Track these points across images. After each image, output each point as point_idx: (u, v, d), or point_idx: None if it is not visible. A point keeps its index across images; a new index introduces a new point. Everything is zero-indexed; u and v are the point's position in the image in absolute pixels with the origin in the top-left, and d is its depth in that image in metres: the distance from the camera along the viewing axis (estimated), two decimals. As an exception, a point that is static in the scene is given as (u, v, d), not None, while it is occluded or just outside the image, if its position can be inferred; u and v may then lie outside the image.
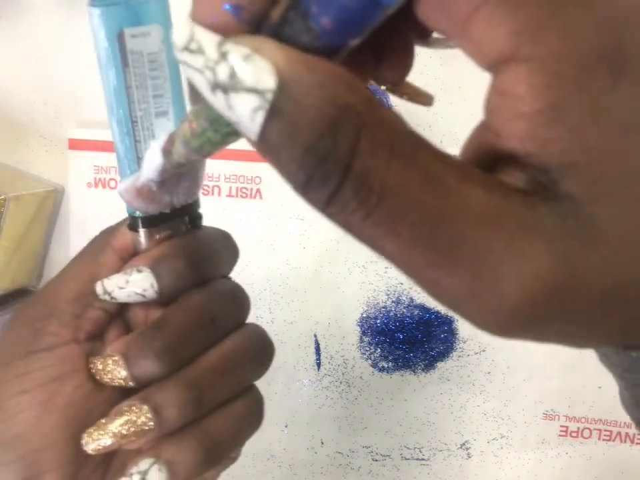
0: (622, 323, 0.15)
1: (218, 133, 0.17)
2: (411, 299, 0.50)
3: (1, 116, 0.52)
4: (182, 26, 0.15)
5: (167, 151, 0.20)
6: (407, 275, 0.15)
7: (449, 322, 0.50)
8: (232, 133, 0.17)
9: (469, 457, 0.51)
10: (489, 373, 0.50)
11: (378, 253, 0.15)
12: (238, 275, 0.51)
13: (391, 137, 0.14)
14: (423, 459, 0.51)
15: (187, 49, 0.14)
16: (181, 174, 0.23)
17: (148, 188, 0.22)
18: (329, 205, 0.14)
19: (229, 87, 0.14)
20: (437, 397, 0.50)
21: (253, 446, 0.52)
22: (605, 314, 0.15)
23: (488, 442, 0.50)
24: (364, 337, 0.51)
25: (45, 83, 0.51)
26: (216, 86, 0.14)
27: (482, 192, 0.14)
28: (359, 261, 0.50)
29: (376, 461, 0.51)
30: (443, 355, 0.50)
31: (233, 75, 0.14)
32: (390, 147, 0.14)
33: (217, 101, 0.14)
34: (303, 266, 0.51)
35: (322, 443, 0.51)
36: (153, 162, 0.21)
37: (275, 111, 0.13)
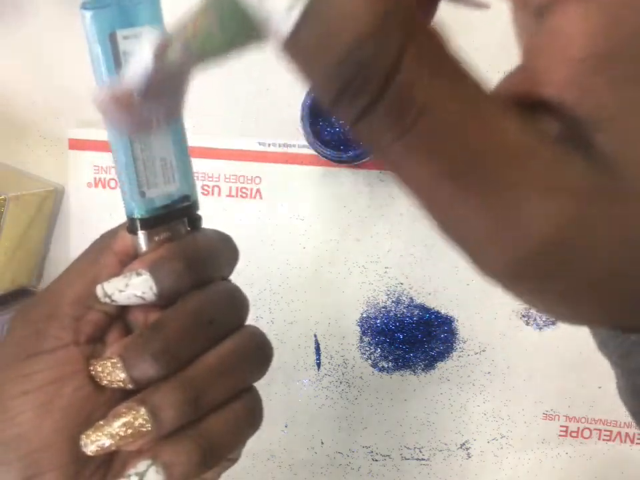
0: (629, 298, 0.15)
1: (225, 34, 0.16)
2: (411, 298, 0.50)
3: (1, 116, 0.52)
4: None
5: (160, 51, 0.18)
6: (426, 209, 0.14)
7: (449, 322, 0.50)
8: (240, 35, 0.16)
9: (469, 457, 0.51)
10: (489, 373, 0.50)
11: (400, 181, 0.14)
12: (238, 275, 0.51)
13: (439, 52, 0.13)
14: (422, 459, 0.51)
15: None
16: (165, 86, 0.21)
17: (128, 96, 0.21)
18: (360, 119, 0.13)
19: None
20: (437, 397, 0.50)
21: (252, 446, 0.52)
22: (614, 283, 0.14)
23: (488, 442, 0.50)
24: (364, 337, 0.51)
25: (45, 83, 0.51)
26: None
27: (518, 128, 0.13)
28: (359, 261, 0.50)
29: (376, 460, 0.51)
30: (443, 354, 0.50)
31: None
32: (438, 63, 0.13)
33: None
34: (302, 266, 0.51)
35: (322, 443, 0.51)
36: (141, 62, 0.19)
37: (315, 7, 0.12)
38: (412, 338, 0.50)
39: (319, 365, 0.51)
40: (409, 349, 0.50)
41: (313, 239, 0.50)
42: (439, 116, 0.13)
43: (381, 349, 0.50)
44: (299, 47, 0.13)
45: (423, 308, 0.50)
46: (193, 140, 0.51)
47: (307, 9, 0.12)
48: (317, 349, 0.51)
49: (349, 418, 0.51)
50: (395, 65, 0.12)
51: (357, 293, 0.50)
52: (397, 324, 0.50)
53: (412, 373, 0.50)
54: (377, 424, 0.51)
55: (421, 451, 0.51)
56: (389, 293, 0.50)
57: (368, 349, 0.51)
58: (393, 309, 0.50)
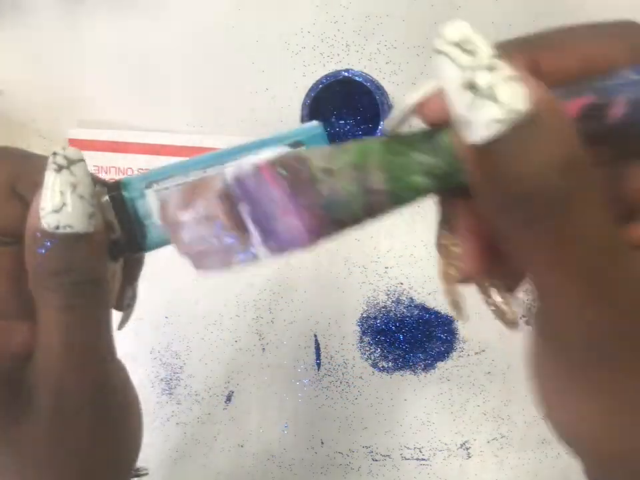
0: None
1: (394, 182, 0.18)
2: (411, 299, 0.50)
3: (1, 116, 0.52)
4: (460, 25, 0.16)
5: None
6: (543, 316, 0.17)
7: (449, 322, 0.50)
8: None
9: (469, 457, 0.51)
10: (489, 373, 0.50)
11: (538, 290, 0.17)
12: (238, 275, 0.52)
13: (601, 199, 0.15)
14: (423, 459, 0.51)
15: (459, 45, 0.16)
16: None
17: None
18: (523, 228, 0.16)
19: (483, 92, 0.15)
20: (437, 397, 0.50)
21: (253, 446, 0.52)
22: None
23: (488, 442, 0.50)
24: (364, 337, 0.51)
25: (45, 82, 0.51)
26: (470, 86, 0.15)
27: None
28: (359, 261, 0.50)
29: (376, 460, 0.51)
30: (443, 354, 0.50)
31: (492, 86, 0.15)
32: (599, 209, 0.15)
33: (461, 97, 0.16)
34: (302, 266, 0.51)
35: (322, 443, 0.51)
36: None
37: (516, 130, 0.15)
38: (412, 338, 0.50)
39: (319, 365, 0.51)
40: (409, 349, 0.50)
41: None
42: (590, 246, 0.15)
43: (381, 349, 0.50)
44: (486, 152, 0.15)
45: (423, 308, 0.50)
46: (193, 140, 0.51)
47: (512, 126, 0.15)
48: (317, 348, 0.51)
49: (349, 418, 0.51)
50: (568, 200, 0.15)
51: (357, 292, 0.50)
52: (397, 324, 0.50)
53: (412, 373, 0.50)
54: (376, 424, 0.51)
55: (421, 451, 0.51)
56: (388, 293, 0.50)
57: (368, 348, 0.51)
58: (393, 309, 0.50)
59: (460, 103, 0.16)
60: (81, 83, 0.51)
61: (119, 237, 0.22)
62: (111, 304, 0.25)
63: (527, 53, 0.18)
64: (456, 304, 0.21)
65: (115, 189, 0.22)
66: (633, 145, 0.18)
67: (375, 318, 0.50)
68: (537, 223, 0.15)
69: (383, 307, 0.50)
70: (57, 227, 0.20)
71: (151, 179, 0.22)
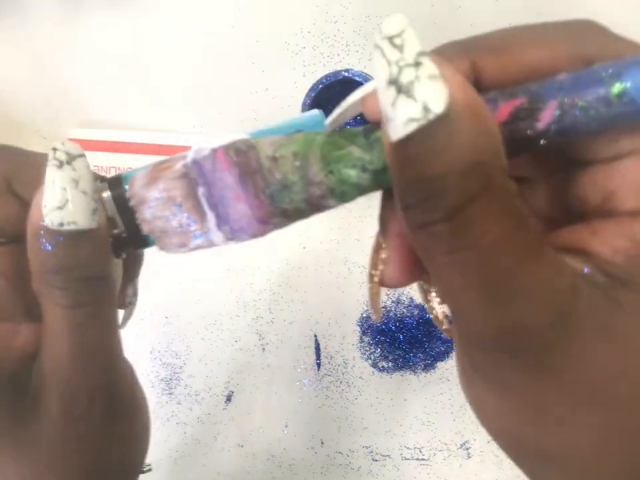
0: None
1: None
2: (411, 298, 0.50)
3: (1, 116, 0.52)
4: (397, 19, 0.16)
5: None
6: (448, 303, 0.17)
7: (449, 322, 0.50)
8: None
9: (469, 457, 0.51)
10: (489, 373, 0.50)
11: (435, 280, 0.17)
12: (238, 275, 0.52)
13: (505, 206, 0.15)
14: (423, 459, 0.51)
15: (390, 39, 0.16)
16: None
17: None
18: (422, 228, 0.16)
19: (404, 89, 0.15)
20: (437, 397, 0.50)
21: (253, 446, 0.52)
22: None
23: (488, 442, 0.50)
24: (364, 337, 0.51)
25: (45, 82, 0.51)
26: (394, 82, 0.15)
27: (558, 272, 0.16)
28: (359, 261, 0.50)
29: (376, 460, 0.51)
30: (443, 355, 0.50)
31: (413, 82, 0.15)
32: (499, 215, 0.15)
33: (386, 94, 0.16)
34: (302, 266, 0.51)
35: (322, 443, 0.51)
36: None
37: (426, 131, 0.15)
38: (412, 338, 0.50)
39: (319, 365, 0.51)
40: (409, 349, 0.50)
41: (313, 239, 0.50)
42: (486, 251, 0.15)
43: (381, 349, 0.50)
44: (399, 150, 0.15)
45: (423, 308, 0.50)
46: (193, 140, 0.51)
47: (425, 127, 0.15)
48: (317, 349, 0.51)
49: (349, 418, 0.51)
50: (461, 206, 0.15)
51: (357, 292, 0.50)
52: (397, 324, 0.50)
53: (412, 373, 0.50)
54: (376, 424, 0.51)
55: (421, 451, 0.51)
56: (388, 292, 0.50)
57: (368, 348, 0.51)
58: (392, 309, 0.50)
59: (384, 99, 0.16)
60: (81, 83, 0.51)
61: (121, 232, 0.22)
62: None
63: (468, 54, 0.17)
64: (373, 304, 0.22)
65: (116, 184, 0.22)
66: (571, 150, 0.18)
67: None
68: (433, 225, 0.15)
69: (383, 307, 0.50)
70: (61, 224, 0.20)
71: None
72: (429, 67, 0.15)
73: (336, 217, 0.50)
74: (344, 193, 0.19)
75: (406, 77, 0.15)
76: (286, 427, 0.51)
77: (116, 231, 0.22)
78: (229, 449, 0.52)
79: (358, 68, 0.47)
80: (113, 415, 0.23)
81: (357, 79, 0.45)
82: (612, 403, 0.16)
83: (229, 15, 0.50)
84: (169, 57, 0.51)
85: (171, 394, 0.52)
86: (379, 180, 0.18)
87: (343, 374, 0.51)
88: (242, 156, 0.19)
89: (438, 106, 0.15)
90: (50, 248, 0.20)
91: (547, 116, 0.16)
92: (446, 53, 0.18)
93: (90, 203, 0.20)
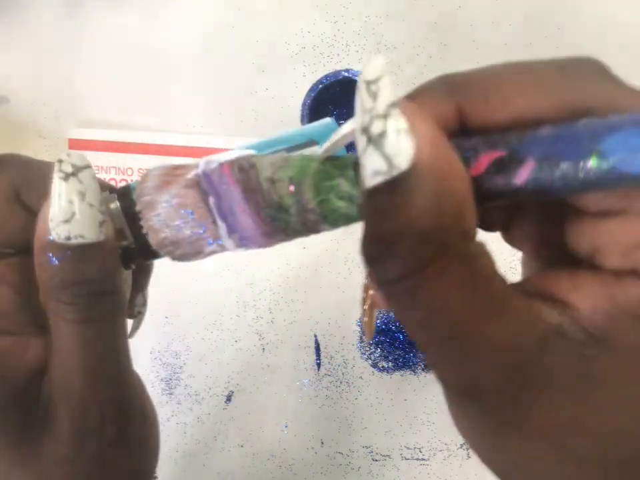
0: None
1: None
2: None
3: (1, 116, 0.52)
4: (377, 63, 0.16)
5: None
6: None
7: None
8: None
9: (469, 457, 0.51)
10: (489, 372, 0.50)
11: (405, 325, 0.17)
12: (238, 275, 0.52)
13: (462, 270, 0.15)
14: (423, 459, 0.51)
15: (367, 85, 0.15)
16: None
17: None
18: (383, 284, 0.16)
19: (373, 140, 0.15)
20: (437, 397, 0.50)
21: (253, 446, 0.52)
22: None
23: (488, 442, 0.50)
24: (364, 337, 0.51)
25: (45, 83, 0.51)
26: (365, 131, 0.15)
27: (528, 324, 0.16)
28: (359, 261, 0.50)
29: (376, 460, 0.51)
30: (443, 355, 0.50)
31: (382, 135, 0.15)
32: (455, 279, 0.15)
33: (359, 141, 0.15)
34: (302, 266, 0.51)
35: (322, 443, 0.51)
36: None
37: (389, 186, 0.15)
38: (412, 338, 0.50)
39: (319, 365, 0.51)
40: (409, 349, 0.50)
41: (313, 239, 0.50)
42: (440, 312, 0.15)
43: (381, 349, 0.50)
44: (364, 199, 0.15)
45: (423, 308, 0.50)
46: (193, 140, 0.51)
47: (388, 183, 0.15)
48: (317, 349, 0.51)
49: (349, 418, 0.51)
50: (419, 267, 0.15)
51: (357, 292, 0.50)
52: (397, 324, 0.50)
53: (412, 373, 0.50)
54: (376, 424, 0.51)
55: (421, 451, 0.51)
56: (388, 293, 0.50)
57: (368, 348, 0.51)
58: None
59: (358, 145, 0.15)
60: (81, 83, 0.51)
61: (130, 243, 0.21)
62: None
63: (455, 97, 0.17)
64: (368, 326, 0.22)
65: (125, 194, 0.22)
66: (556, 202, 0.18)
67: (375, 318, 0.50)
68: (389, 282, 0.15)
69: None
70: (68, 238, 0.19)
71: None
72: (399, 120, 0.15)
73: (336, 217, 0.50)
74: (335, 221, 0.19)
75: (376, 128, 0.15)
76: (286, 426, 0.51)
77: (125, 243, 0.21)
78: (229, 449, 0.52)
79: (358, 68, 0.47)
80: (124, 429, 0.22)
81: (357, 79, 0.45)
82: (569, 459, 0.16)
83: (229, 15, 0.50)
84: (169, 57, 0.51)
85: (170, 394, 0.52)
86: None
87: (342, 374, 0.51)
88: (244, 174, 0.19)
89: (402, 162, 0.14)
90: (57, 263, 0.19)
91: (524, 173, 0.16)
92: (430, 94, 0.17)
93: (97, 216, 0.20)
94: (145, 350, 0.52)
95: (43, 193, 0.20)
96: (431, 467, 0.51)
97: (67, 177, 0.20)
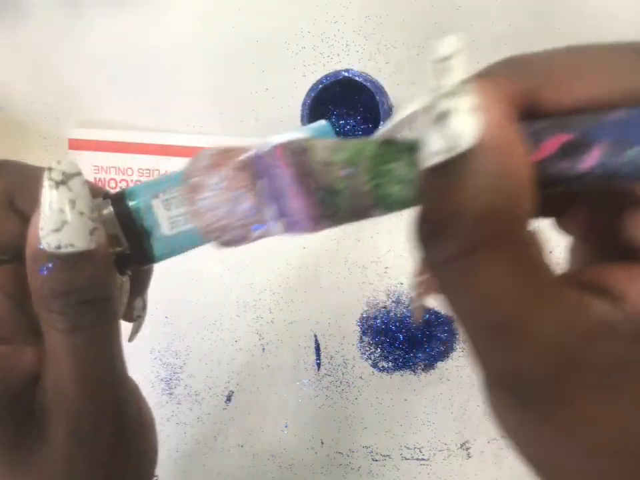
0: None
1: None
2: (411, 299, 0.50)
3: (1, 116, 0.52)
4: (450, 41, 0.15)
5: None
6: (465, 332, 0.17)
7: (448, 322, 0.50)
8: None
9: (469, 457, 0.51)
10: (489, 373, 0.50)
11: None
12: (238, 275, 0.52)
13: (515, 256, 0.15)
14: (423, 459, 0.51)
15: (439, 62, 0.15)
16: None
17: None
18: (434, 266, 0.16)
19: (439, 119, 0.15)
20: (437, 397, 0.50)
21: (253, 446, 0.52)
22: None
23: (488, 442, 0.50)
24: (364, 337, 0.51)
25: (44, 83, 0.51)
26: (432, 108, 0.15)
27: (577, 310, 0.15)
28: (359, 261, 0.50)
29: (376, 460, 0.51)
30: (443, 355, 0.50)
31: (449, 112, 0.15)
32: (507, 264, 0.15)
33: (424, 118, 0.15)
34: (302, 266, 0.51)
35: (322, 443, 0.51)
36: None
37: (447, 167, 0.14)
38: (412, 338, 0.50)
39: (319, 365, 0.51)
40: (409, 349, 0.50)
41: (313, 239, 0.50)
42: (488, 298, 0.15)
43: (381, 349, 0.50)
44: (427, 179, 0.15)
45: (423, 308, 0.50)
46: (193, 140, 0.51)
47: (446, 163, 0.14)
48: (317, 348, 0.51)
49: (349, 418, 0.51)
50: (471, 250, 0.15)
51: (357, 292, 0.50)
52: (397, 324, 0.50)
53: (412, 373, 0.50)
54: (376, 424, 0.51)
55: (421, 451, 0.51)
56: (388, 292, 0.50)
57: (368, 348, 0.51)
58: (392, 309, 0.50)
59: (422, 123, 0.15)
60: (81, 83, 0.51)
61: (125, 249, 0.21)
62: (120, 315, 0.24)
63: (524, 81, 0.17)
64: (418, 310, 0.22)
65: (120, 200, 0.21)
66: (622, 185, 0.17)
67: (375, 318, 0.50)
68: (440, 262, 0.15)
69: (383, 307, 0.50)
70: (59, 247, 0.19)
71: (156, 188, 0.22)
72: (468, 99, 0.15)
73: (336, 217, 0.50)
74: (389, 206, 0.19)
75: (444, 105, 0.15)
76: (286, 426, 0.51)
77: (119, 249, 0.21)
78: (229, 449, 0.52)
79: (358, 68, 0.47)
80: (120, 436, 0.22)
81: (357, 79, 0.45)
82: (605, 457, 0.16)
83: (229, 15, 0.50)
84: (169, 57, 0.51)
85: (170, 394, 0.52)
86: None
87: (342, 374, 0.51)
88: (297, 157, 0.19)
89: (465, 142, 0.14)
90: (47, 272, 0.19)
91: (592, 158, 0.15)
92: (498, 75, 0.17)
93: (87, 224, 0.19)
94: (145, 350, 0.52)
95: (36, 198, 0.20)
96: (430, 466, 0.51)
97: (57, 185, 0.19)
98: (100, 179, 0.51)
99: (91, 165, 0.50)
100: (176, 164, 0.50)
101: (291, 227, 0.20)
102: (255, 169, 0.20)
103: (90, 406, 0.21)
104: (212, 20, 0.50)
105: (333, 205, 0.19)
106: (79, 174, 0.20)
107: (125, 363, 0.22)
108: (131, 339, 0.26)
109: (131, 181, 0.51)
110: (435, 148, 0.15)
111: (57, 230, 0.19)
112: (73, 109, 0.51)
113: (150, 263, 0.22)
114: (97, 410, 0.21)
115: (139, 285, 0.25)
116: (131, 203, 0.21)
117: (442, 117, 0.15)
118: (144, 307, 0.26)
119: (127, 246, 0.21)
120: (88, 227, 0.20)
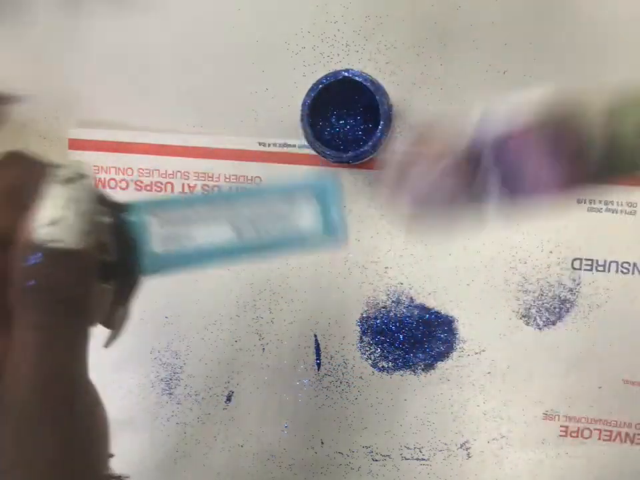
0: None
1: None
2: (411, 298, 0.50)
3: (1, 116, 0.52)
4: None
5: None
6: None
7: (449, 322, 0.50)
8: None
9: (469, 457, 0.51)
10: (489, 373, 0.50)
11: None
12: (238, 275, 0.52)
13: None
14: (423, 459, 0.51)
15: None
16: None
17: None
18: None
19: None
20: (437, 397, 0.50)
21: (253, 446, 0.52)
22: None
23: (488, 442, 0.50)
24: (364, 337, 0.51)
25: (44, 83, 0.51)
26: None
27: None
28: (359, 261, 0.50)
29: (376, 460, 0.51)
30: (443, 354, 0.50)
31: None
32: None
33: None
34: (302, 266, 0.51)
35: (322, 443, 0.51)
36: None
37: None
38: (412, 338, 0.50)
39: (319, 365, 0.51)
40: (409, 349, 0.50)
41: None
42: None
43: (381, 349, 0.50)
44: None
45: (423, 308, 0.50)
46: (193, 140, 0.51)
47: None
48: (317, 349, 0.51)
49: (349, 418, 0.51)
50: None
51: (357, 292, 0.50)
52: (397, 324, 0.50)
53: (412, 373, 0.50)
54: (376, 424, 0.51)
55: (421, 451, 0.51)
56: (388, 292, 0.50)
57: (368, 348, 0.51)
58: (392, 309, 0.50)
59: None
60: (81, 83, 0.51)
61: (112, 259, 0.22)
62: (95, 321, 0.24)
63: None
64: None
65: (119, 211, 0.22)
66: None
67: (375, 318, 0.50)
68: None
69: (383, 307, 0.50)
70: (49, 240, 0.19)
71: (157, 206, 0.22)
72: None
73: (336, 217, 0.50)
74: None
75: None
76: (286, 426, 0.51)
77: (108, 258, 0.21)
78: (229, 449, 0.52)
79: (358, 68, 0.47)
80: (68, 435, 0.22)
81: (357, 78, 0.45)
82: None
83: (229, 15, 0.50)
84: (169, 56, 0.51)
85: (170, 394, 0.52)
86: None
87: (342, 374, 0.51)
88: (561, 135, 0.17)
89: None
90: (32, 262, 0.19)
91: None
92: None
93: (84, 225, 0.20)
94: (145, 350, 0.52)
95: (41, 193, 0.20)
96: (431, 466, 0.51)
97: (64, 182, 0.20)
98: (100, 179, 0.51)
99: (91, 165, 0.50)
100: (176, 164, 0.50)
101: (527, 194, 0.18)
102: (479, 151, 0.18)
103: (39, 403, 0.21)
104: (212, 20, 0.50)
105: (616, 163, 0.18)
106: (88, 177, 0.20)
107: (87, 366, 0.23)
108: (106, 344, 0.26)
109: (131, 180, 0.51)
110: None
111: (53, 224, 0.19)
112: (73, 109, 0.51)
113: (134, 276, 0.22)
114: (45, 408, 0.21)
115: (122, 295, 0.25)
116: (128, 216, 0.21)
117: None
118: (125, 317, 0.26)
119: (115, 256, 0.22)
120: (83, 228, 0.20)
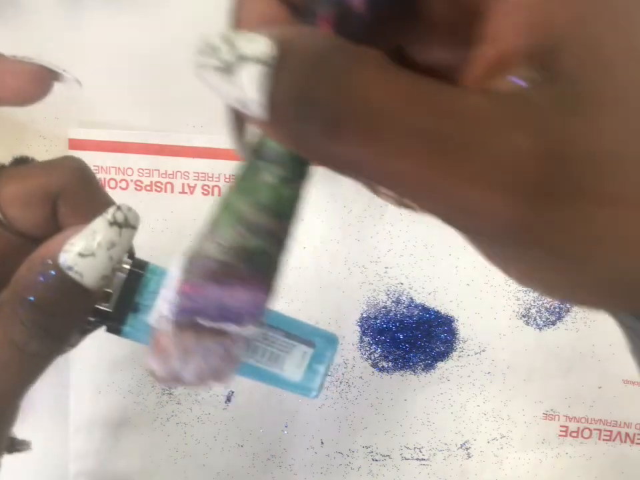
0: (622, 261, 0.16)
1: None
2: (411, 298, 0.50)
3: (1, 116, 0.52)
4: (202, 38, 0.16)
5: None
6: (414, 195, 0.16)
7: (449, 322, 0.50)
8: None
9: (469, 457, 0.51)
10: (489, 373, 0.50)
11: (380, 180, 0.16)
12: (238, 275, 0.51)
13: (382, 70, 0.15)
14: (423, 459, 0.51)
15: (201, 52, 0.16)
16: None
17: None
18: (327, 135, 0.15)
19: (233, 64, 0.15)
20: (437, 397, 0.50)
21: (253, 446, 0.52)
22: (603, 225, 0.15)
23: (488, 442, 0.50)
24: (364, 337, 0.51)
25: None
26: (223, 68, 0.16)
27: (474, 96, 0.15)
28: (359, 261, 0.50)
29: (376, 460, 0.51)
30: (443, 354, 0.50)
31: (235, 53, 0.15)
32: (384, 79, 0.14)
33: (228, 84, 0.16)
34: (302, 266, 0.51)
35: (322, 443, 0.51)
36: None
37: (276, 72, 0.15)
38: (412, 338, 0.50)
39: (319, 365, 0.51)
40: (409, 349, 0.50)
41: (313, 239, 0.50)
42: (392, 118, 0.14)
43: (381, 349, 0.50)
44: (275, 111, 0.16)
45: (423, 308, 0.50)
46: (193, 140, 0.51)
47: (271, 72, 0.15)
48: (317, 348, 0.51)
49: (349, 418, 0.51)
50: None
51: (357, 292, 0.50)
52: (397, 324, 0.50)
53: (412, 372, 0.50)
54: (376, 424, 0.51)
55: (421, 451, 0.51)
56: (388, 293, 0.50)
57: (368, 349, 0.51)
58: (393, 309, 0.50)
59: (225, 93, 0.16)
60: (81, 83, 0.51)
61: (107, 310, 0.22)
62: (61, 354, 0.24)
63: None
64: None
65: (140, 268, 0.22)
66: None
67: (375, 318, 0.50)
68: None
69: (383, 307, 0.50)
70: (70, 268, 0.19)
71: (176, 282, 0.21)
72: (242, 36, 0.16)
73: (336, 216, 0.50)
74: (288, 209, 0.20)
75: (227, 54, 0.16)
76: (286, 426, 0.51)
77: (104, 306, 0.22)
78: (228, 449, 0.52)
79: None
80: None
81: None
82: None
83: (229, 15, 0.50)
84: (169, 56, 0.51)
85: (170, 394, 0.52)
86: (297, 172, 0.19)
87: (342, 374, 0.51)
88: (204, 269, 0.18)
89: (265, 48, 0.15)
90: (41, 279, 0.19)
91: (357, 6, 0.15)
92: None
93: (107, 270, 0.20)
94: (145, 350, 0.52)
95: (77, 213, 0.21)
96: (431, 466, 0.51)
97: (111, 224, 0.20)
98: (100, 179, 0.51)
99: (91, 165, 0.50)
100: (176, 164, 0.50)
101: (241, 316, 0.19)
102: (184, 319, 0.19)
103: None
104: (212, 19, 0.50)
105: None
106: (134, 228, 0.21)
107: (23, 397, 0.22)
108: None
109: (131, 180, 0.51)
110: (248, 78, 0.15)
111: (82, 255, 0.19)
112: (72, 109, 0.51)
113: (117, 333, 0.22)
114: None
115: (90, 331, 0.25)
116: (148, 276, 0.22)
117: (232, 63, 0.16)
118: (74, 345, 0.26)
119: (111, 309, 0.22)
120: (105, 272, 0.20)
